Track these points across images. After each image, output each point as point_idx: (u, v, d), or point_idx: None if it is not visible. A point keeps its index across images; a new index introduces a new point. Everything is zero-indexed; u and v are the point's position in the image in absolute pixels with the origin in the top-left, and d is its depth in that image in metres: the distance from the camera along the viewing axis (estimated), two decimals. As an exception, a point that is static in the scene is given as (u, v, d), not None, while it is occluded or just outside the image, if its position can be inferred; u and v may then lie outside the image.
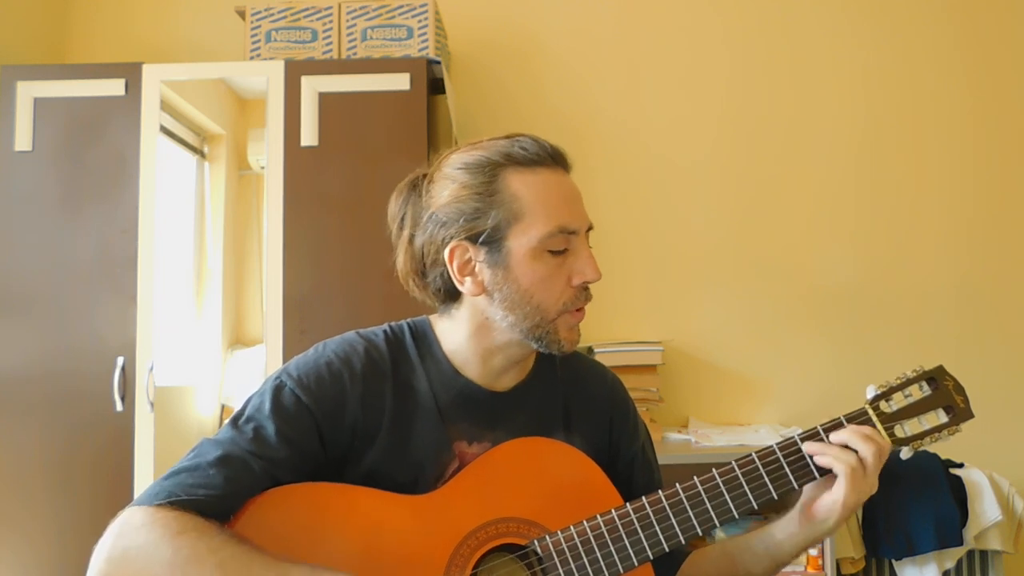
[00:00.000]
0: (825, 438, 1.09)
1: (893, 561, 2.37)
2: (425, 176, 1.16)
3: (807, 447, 1.09)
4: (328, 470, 1.08)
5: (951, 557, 2.32)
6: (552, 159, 1.11)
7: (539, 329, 1.09)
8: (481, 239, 1.08)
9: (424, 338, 1.18)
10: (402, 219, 1.16)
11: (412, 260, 1.15)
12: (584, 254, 1.09)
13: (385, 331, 1.18)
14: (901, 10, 2.86)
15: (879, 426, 1.11)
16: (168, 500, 0.96)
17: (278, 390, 1.08)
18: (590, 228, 1.13)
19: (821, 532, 1.11)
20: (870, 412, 1.12)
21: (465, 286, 1.10)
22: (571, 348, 1.12)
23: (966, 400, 1.13)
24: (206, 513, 0.96)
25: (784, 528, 1.14)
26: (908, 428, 1.12)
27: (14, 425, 2.31)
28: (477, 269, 1.09)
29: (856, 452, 1.07)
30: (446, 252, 1.09)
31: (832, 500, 1.07)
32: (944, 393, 1.13)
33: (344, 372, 1.10)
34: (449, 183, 1.10)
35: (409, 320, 1.21)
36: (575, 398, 1.24)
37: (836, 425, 1.11)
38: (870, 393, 1.13)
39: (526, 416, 1.17)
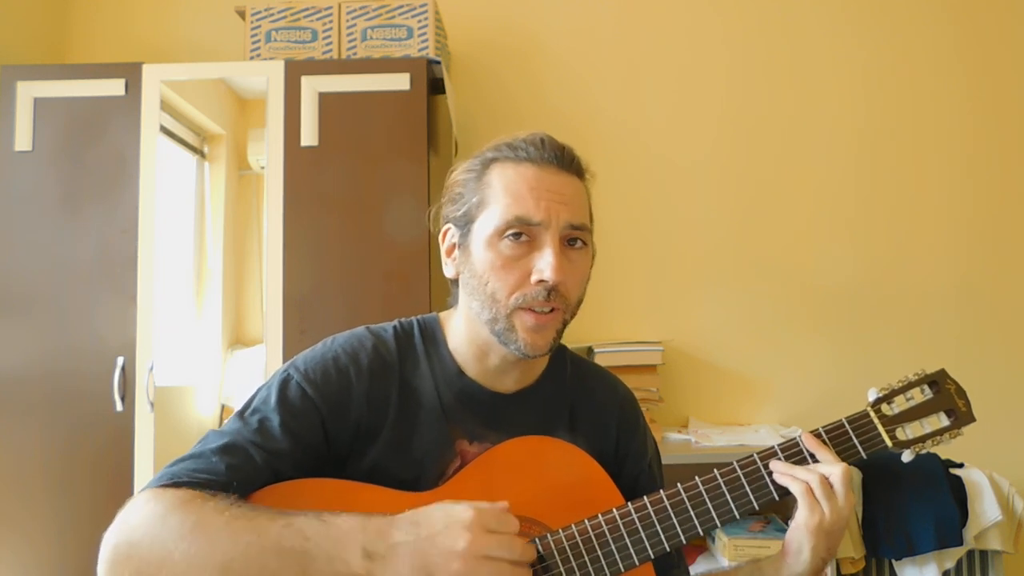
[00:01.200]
0: (781, 457, 1.10)
1: (893, 561, 2.37)
2: None
3: (773, 465, 1.09)
4: (331, 464, 1.09)
5: (951, 557, 2.32)
6: (546, 157, 1.09)
7: (497, 323, 1.08)
8: (457, 222, 1.12)
9: (432, 336, 1.18)
10: None
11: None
12: (547, 252, 1.06)
13: (395, 327, 1.19)
14: (901, 10, 2.87)
15: (881, 429, 1.11)
16: (172, 482, 0.97)
17: (285, 383, 1.09)
18: (579, 227, 1.09)
19: (802, 565, 1.07)
20: (872, 415, 1.12)
21: (447, 268, 1.15)
22: (534, 351, 1.08)
23: (968, 404, 1.14)
24: (207, 491, 0.97)
25: (772, 564, 1.13)
26: (910, 431, 1.12)
27: (14, 425, 2.31)
28: (455, 252, 1.13)
29: (819, 472, 1.06)
30: (440, 233, 1.15)
31: (795, 525, 1.07)
32: (946, 396, 1.14)
33: (351, 368, 1.11)
34: (461, 166, 1.15)
35: (419, 317, 1.22)
36: (582, 403, 1.24)
37: (792, 446, 1.10)
38: (872, 396, 1.13)
39: (529, 419, 1.17)
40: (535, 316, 1.07)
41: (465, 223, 1.11)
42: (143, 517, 0.93)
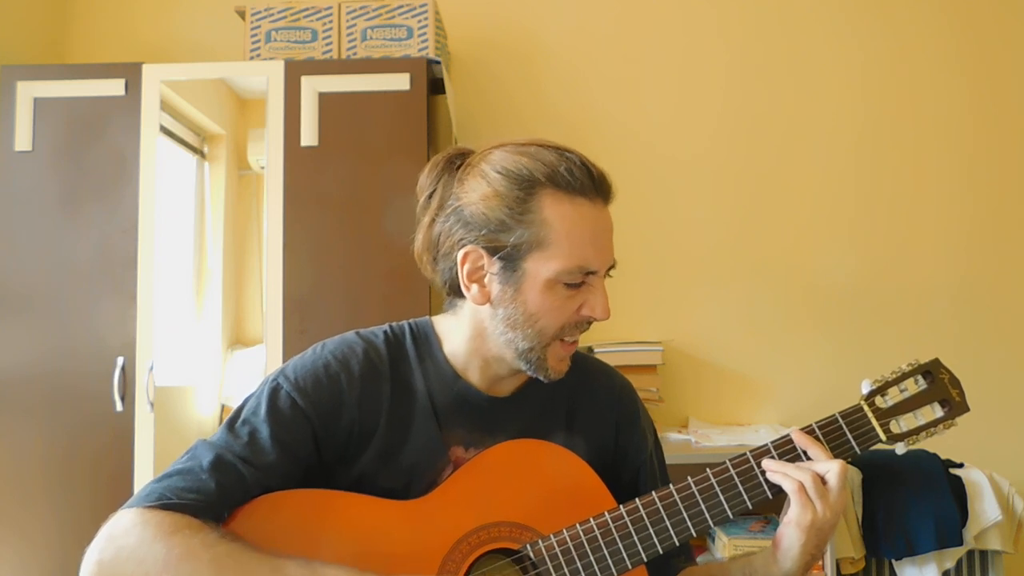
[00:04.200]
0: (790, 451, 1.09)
1: (893, 561, 2.36)
2: (466, 159, 1.11)
3: (766, 464, 1.08)
4: (319, 472, 1.07)
5: (951, 557, 2.32)
6: (595, 190, 1.06)
7: (532, 353, 1.07)
8: (499, 253, 1.05)
9: (425, 339, 1.16)
10: (429, 196, 1.12)
11: (428, 243, 1.12)
12: (598, 291, 1.07)
13: (385, 331, 1.17)
14: (901, 10, 2.86)
15: (874, 422, 1.10)
16: (159, 502, 0.95)
17: (274, 393, 1.07)
18: (612, 266, 1.10)
19: (792, 562, 1.06)
20: (865, 408, 1.11)
21: (471, 292, 1.08)
22: (557, 376, 1.10)
23: (962, 393, 1.13)
24: (197, 515, 0.96)
25: (763, 559, 1.12)
26: (903, 423, 1.12)
27: (14, 425, 2.31)
28: (487, 280, 1.07)
29: (812, 470, 1.05)
30: (460, 253, 1.07)
31: (786, 522, 1.06)
32: (940, 387, 1.13)
33: (341, 374, 1.09)
34: (484, 184, 1.06)
35: (411, 320, 1.19)
36: (580, 399, 1.22)
37: (786, 441, 1.10)
38: (865, 388, 1.12)
39: (525, 421, 1.16)
40: (565, 347, 1.10)
41: (513, 258, 1.05)
42: (130, 539, 0.92)
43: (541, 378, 1.10)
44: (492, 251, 1.05)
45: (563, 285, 1.05)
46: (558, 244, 1.03)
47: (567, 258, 1.03)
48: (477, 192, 1.06)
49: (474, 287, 1.08)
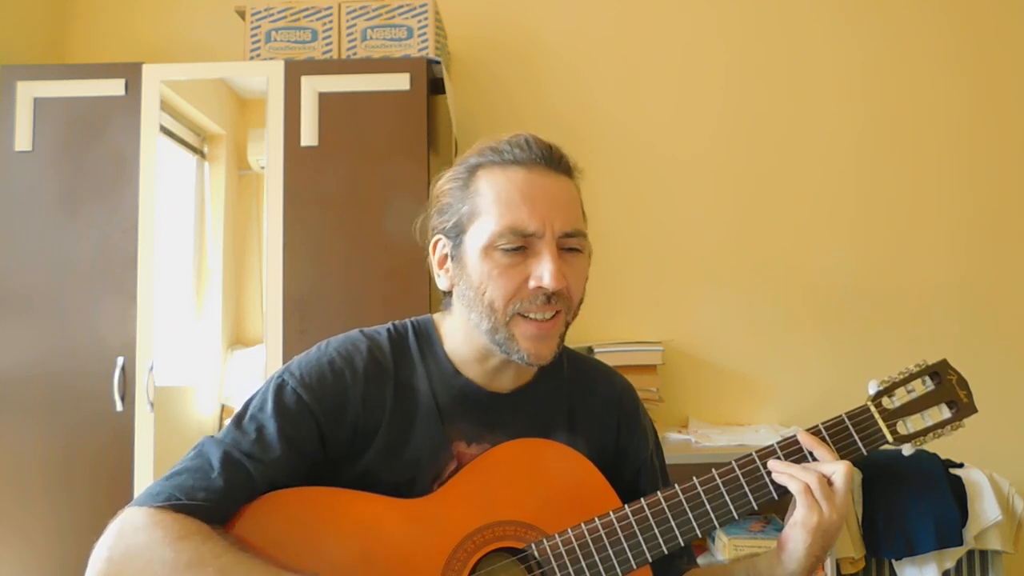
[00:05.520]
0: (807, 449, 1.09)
1: (893, 561, 2.37)
2: None
3: (772, 465, 1.08)
4: (325, 469, 1.08)
5: (951, 557, 2.32)
6: (534, 159, 1.07)
7: (496, 333, 1.06)
8: (448, 233, 1.09)
9: (427, 337, 1.17)
10: None
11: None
12: (544, 257, 1.04)
13: (388, 329, 1.18)
14: (901, 9, 2.87)
15: (881, 423, 1.10)
16: (168, 503, 0.96)
17: (280, 389, 1.08)
18: (574, 234, 1.07)
19: (797, 563, 1.06)
20: (872, 409, 1.10)
21: (440, 280, 1.12)
22: (538, 360, 1.07)
23: (969, 395, 1.12)
24: (206, 517, 0.96)
25: (767, 561, 1.11)
26: (911, 424, 1.11)
27: (14, 425, 2.31)
28: (447, 264, 1.11)
29: (818, 471, 1.05)
30: (430, 244, 1.12)
31: (792, 523, 1.05)
32: (947, 388, 1.12)
33: (346, 371, 1.10)
34: (446, 175, 1.12)
35: (413, 319, 1.20)
36: (581, 400, 1.22)
37: (791, 443, 1.09)
38: (872, 389, 1.12)
39: (527, 418, 1.16)
40: (536, 325, 1.06)
41: (456, 234, 1.08)
42: (140, 539, 0.93)
43: (519, 361, 1.07)
44: (443, 233, 1.10)
45: (500, 251, 1.04)
46: (488, 210, 1.06)
47: (496, 221, 1.04)
48: (439, 183, 1.13)
49: (442, 273, 1.12)
